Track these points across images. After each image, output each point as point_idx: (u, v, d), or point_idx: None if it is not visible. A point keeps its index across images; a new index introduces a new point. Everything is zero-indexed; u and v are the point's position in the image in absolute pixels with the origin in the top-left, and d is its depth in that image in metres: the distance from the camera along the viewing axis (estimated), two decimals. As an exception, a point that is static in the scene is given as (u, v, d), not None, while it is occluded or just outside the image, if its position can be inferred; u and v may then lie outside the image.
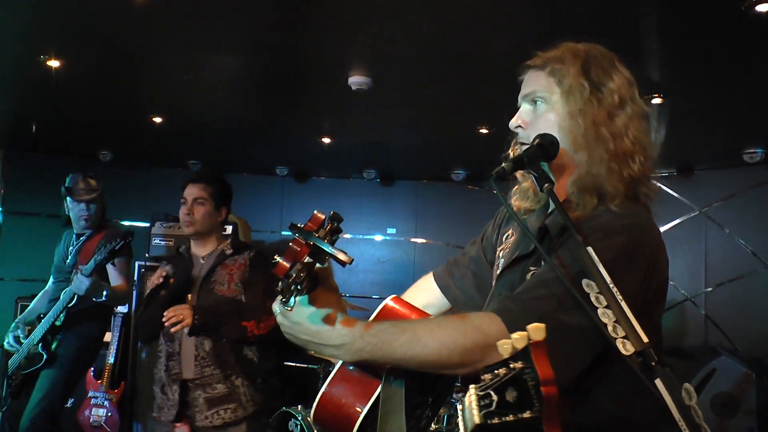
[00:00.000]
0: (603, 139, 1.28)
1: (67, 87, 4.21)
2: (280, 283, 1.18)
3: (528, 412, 0.79)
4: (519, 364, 0.82)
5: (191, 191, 2.99)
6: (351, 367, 1.34)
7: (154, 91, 4.42)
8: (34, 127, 5.39)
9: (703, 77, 3.74)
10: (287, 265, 1.14)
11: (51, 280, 3.85)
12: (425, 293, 1.69)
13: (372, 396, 1.29)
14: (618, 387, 1.25)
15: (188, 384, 2.85)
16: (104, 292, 3.47)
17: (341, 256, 1.12)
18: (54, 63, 3.72)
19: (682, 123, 4.61)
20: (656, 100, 3.98)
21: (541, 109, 1.36)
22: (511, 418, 0.80)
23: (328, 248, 1.13)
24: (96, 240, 3.64)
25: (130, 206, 6.33)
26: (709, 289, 5.72)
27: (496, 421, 0.81)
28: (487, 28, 3.21)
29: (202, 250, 3.04)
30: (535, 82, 1.37)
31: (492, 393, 0.82)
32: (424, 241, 6.86)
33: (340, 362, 1.36)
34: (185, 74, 3.90)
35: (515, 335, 0.83)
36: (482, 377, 0.85)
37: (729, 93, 4.00)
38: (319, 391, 1.36)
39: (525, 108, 1.39)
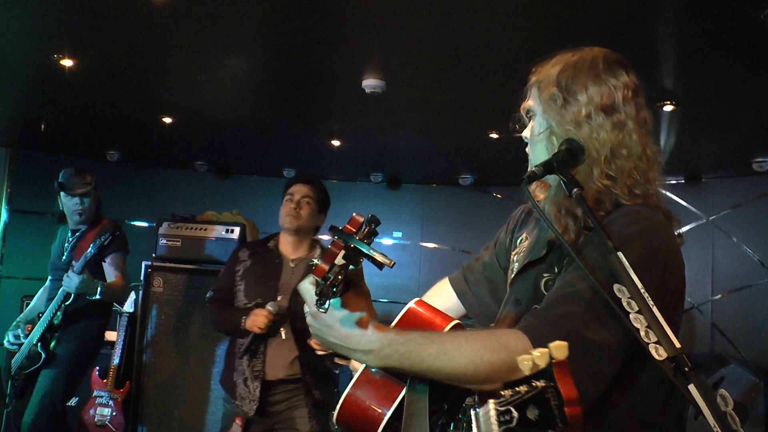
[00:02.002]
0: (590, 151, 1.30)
1: (79, 86, 4.21)
2: (316, 286, 1.18)
3: (551, 431, 0.78)
4: (541, 383, 0.81)
5: (299, 189, 3.07)
6: (374, 370, 1.34)
7: (166, 92, 4.43)
8: (42, 126, 5.39)
9: (716, 85, 3.74)
10: (326, 267, 1.14)
11: (49, 278, 3.84)
12: (442, 298, 1.69)
13: (396, 399, 1.30)
14: (641, 398, 1.25)
15: (276, 384, 2.94)
16: (98, 289, 3.45)
17: (381, 258, 1.13)
18: (67, 62, 3.72)
19: (692, 131, 4.60)
20: (668, 108, 3.98)
21: (534, 123, 1.40)
22: None
23: (367, 251, 1.13)
24: (91, 236, 3.61)
25: (136, 206, 6.35)
26: (716, 297, 5.71)
27: None
28: (500, 34, 3.22)
29: (293, 253, 3.08)
30: (529, 96, 1.42)
31: (512, 409, 0.82)
32: (430, 245, 6.86)
33: (364, 365, 1.36)
34: (199, 75, 3.91)
35: (536, 351, 0.82)
36: (502, 393, 0.84)
37: (740, 101, 4.00)
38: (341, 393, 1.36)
39: (527, 122, 1.44)
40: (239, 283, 3.06)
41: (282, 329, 2.89)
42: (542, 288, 1.31)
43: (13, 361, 3.67)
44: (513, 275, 1.46)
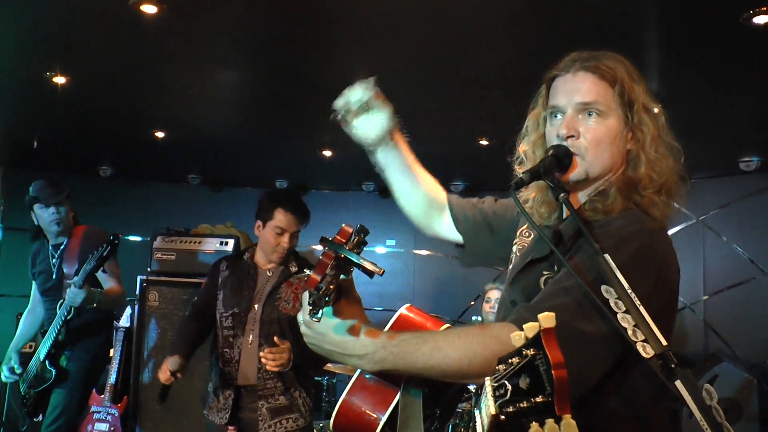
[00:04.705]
0: (638, 172, 1.36)
1: (71, 103, 4.23)
2: (309, 296, 1.21)
3: (540, 396, 0.79)
4: (531, 351, 0.82)
5: (292, 225, 3.01)
6: (368, 376, 1.37)
7: (158, 106, 4.45)
8: (35, 144, 5.40)
9: (701, 86, 3.79)
10: (318, 278, 1.17)
11: (38, 299, 3.77)
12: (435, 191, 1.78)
13: (390, 404, 1.32)
14: (633, 397, 1.27)
15: (247, 391, 2.94)
16: (96, 299, 3.39)
17: (370, 267, 1.16)
18: (60, 79, 3.75)
19: (679, 132, 4.63)
20: (653, 110, 4.02)
21: (595, 122, 1.34)
22: (524, 404, 0.80)
23: (357, 260, 1.16)
24: (75, 244, 3.55)
25: (130, 221, 6.35)
26: (708, 296, 5.76)
27: (510, 409, 0.81)
28: (488, 41, 3.25)
29: (267, 263, 3.10)
30: (596, 91, 1.35)
31: (506, 383, 0.83)
32: (423, 252, 6.88)
33: (358, 372, 1.39)
34: (190, 89, 3.94)
35: (527, 325, 0.84)
36: (497, 368, 0.85)
37: (725, 102, 4.05)
38: (337, 400, 1.38)
39: (575, 116, 1.35)
40: (219, 293, 3.09)
41: (251, 335, 2.93)
42: (542, 285, 1.33)
43: (20, 381, 3.63)
44: (514, 274, 1.46)
